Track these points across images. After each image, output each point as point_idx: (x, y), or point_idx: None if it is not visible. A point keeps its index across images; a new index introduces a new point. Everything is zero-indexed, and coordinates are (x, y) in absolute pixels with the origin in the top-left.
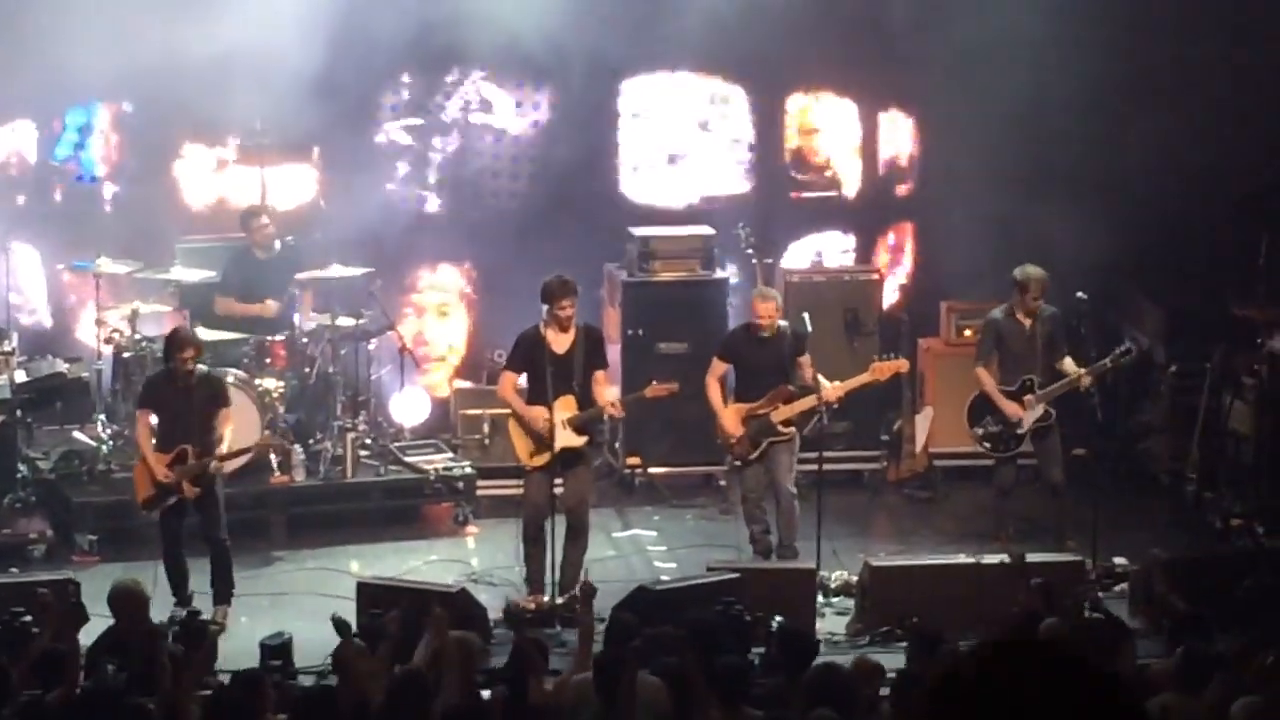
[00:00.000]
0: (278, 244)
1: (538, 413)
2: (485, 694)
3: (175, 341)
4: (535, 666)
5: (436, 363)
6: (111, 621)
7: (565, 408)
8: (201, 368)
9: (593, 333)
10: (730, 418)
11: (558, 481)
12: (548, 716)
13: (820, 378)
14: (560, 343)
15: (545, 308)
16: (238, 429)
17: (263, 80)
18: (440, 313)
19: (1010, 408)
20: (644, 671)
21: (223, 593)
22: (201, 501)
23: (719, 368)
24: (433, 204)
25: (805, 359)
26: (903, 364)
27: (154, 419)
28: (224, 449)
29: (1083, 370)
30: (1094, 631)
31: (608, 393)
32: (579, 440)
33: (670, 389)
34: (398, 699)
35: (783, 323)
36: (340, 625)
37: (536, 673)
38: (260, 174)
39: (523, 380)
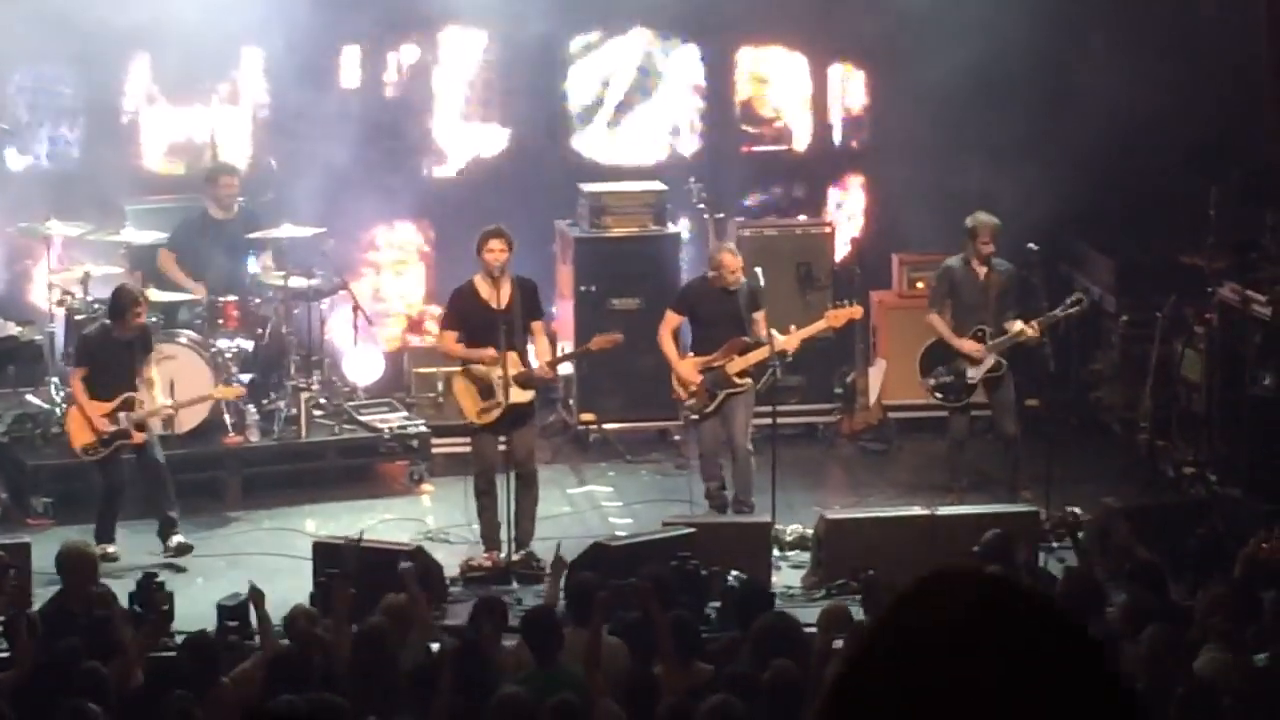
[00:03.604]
0: (235, 206)
1: (484, 355)
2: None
3: (123, 299)
4: (492, 626)
5: (392, 318)
6: (58, 587)
7: (509, 363)
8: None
9: (526, 284)
10: (687, 369)
11: (502, 438)
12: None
13: (773, 332)
14: (497, 297)
15: (480, 259)
16: (192, 390)
17: (211, 36)
18: (397, 271)
19: (968, 345)
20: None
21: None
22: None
23: (673, 320)
24: (384, 161)
25: (761, 314)
26: (857, 310)
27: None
28: (155, 391)
29: (1027, 326)
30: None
31: (542, 344)
32: (526, 396)
33: (614, 339)
34: (363, 655)
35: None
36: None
37: (493, 632)
38: (211, 133)
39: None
